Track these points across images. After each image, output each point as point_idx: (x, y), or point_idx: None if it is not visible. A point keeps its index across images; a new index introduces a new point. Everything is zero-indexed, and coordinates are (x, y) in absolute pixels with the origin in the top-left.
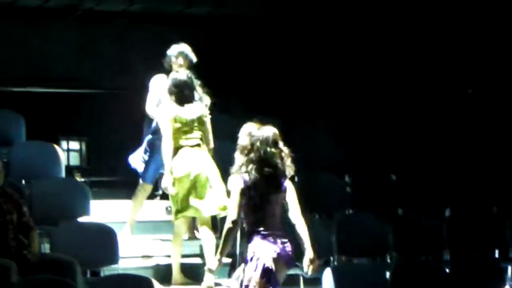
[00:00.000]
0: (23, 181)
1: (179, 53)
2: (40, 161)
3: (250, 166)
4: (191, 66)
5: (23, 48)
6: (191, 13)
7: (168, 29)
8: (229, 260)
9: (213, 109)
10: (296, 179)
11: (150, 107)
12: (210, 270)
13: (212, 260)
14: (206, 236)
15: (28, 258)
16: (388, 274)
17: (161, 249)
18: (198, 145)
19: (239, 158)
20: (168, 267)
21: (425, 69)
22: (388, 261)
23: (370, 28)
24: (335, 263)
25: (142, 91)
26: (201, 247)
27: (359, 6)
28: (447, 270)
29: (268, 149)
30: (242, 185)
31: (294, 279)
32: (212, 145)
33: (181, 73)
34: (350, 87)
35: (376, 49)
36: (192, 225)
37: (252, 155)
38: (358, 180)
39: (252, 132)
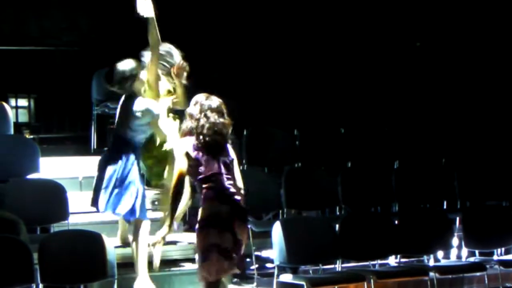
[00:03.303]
0: None
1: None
2: None
3: (200, 131)
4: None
5: None
6: None
7: None
8: None
9: None
10: (245, 133)
11: None
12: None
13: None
14: None
15: None
16: (337, 226)
17: None
18: None
19: (188, 124)
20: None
21: (373, 22)
22: (337, 213)
23: None
24: (284, 216)
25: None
26: None
27: None
28: (396, 222)
29: (217, 117)
30: (190, 148)
31: None
32: None
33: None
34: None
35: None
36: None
37: (202, 122)
38: (307, 133)
39: (201, 101)
